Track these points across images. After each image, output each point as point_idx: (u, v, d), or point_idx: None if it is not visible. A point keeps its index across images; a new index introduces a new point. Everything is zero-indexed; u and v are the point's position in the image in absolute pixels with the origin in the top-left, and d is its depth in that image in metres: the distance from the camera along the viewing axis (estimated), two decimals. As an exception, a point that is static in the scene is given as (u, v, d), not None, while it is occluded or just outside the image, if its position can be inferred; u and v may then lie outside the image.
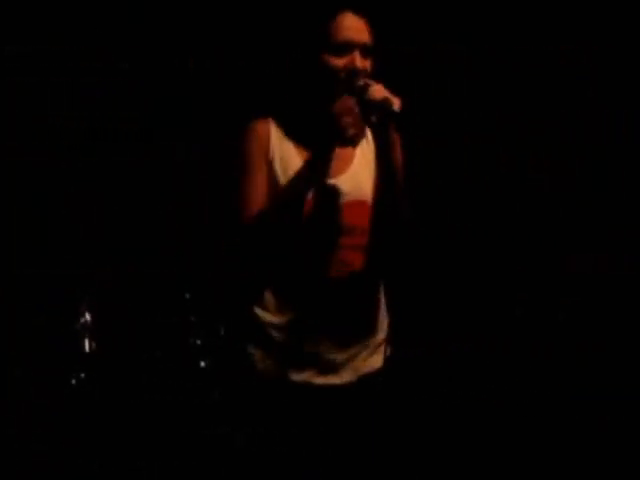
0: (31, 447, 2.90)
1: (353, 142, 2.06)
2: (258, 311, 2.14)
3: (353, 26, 2.09)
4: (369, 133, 2.25)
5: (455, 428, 3.31)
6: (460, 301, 3.44)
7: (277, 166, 2.10)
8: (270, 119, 2.14)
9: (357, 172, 2.18)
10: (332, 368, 2.14)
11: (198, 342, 3.07)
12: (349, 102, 2.01)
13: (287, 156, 2.12)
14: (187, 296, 3.12)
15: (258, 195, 2.08)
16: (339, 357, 2.14)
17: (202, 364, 3.04)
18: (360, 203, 2.15)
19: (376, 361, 2.23)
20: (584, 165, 3.40)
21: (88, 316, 3.01)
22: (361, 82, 2.03)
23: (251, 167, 2.09)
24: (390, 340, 2.26)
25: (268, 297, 2.13)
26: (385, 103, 1.97)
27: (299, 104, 2.17)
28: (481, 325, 3.40)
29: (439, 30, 3.42)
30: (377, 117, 2.01)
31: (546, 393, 3.32)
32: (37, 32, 3.31)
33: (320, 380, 2.13)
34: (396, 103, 1.98)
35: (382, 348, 2.24)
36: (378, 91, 2.00)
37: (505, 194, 3.46)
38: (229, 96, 3.39)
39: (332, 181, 2.11)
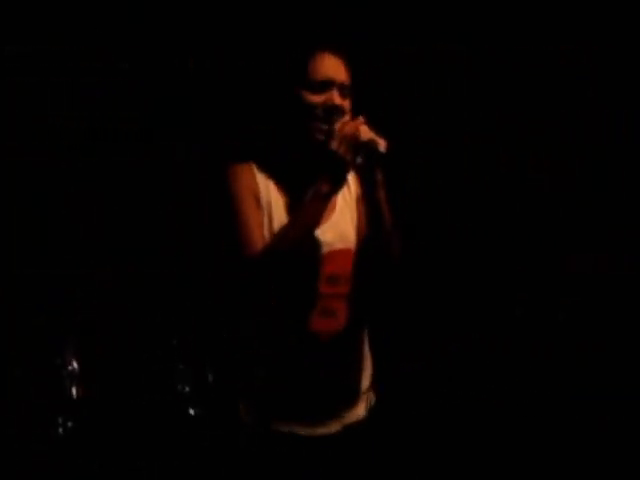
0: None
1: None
2: (246, 362, 2.14)
3: (331, 65, 2.12)
4: (351, 183, 2.25)
5: (455, 431, 3.31)
6: (460, 301, 3.44)
7: (266, 206, 2.09)
8: (251, 163, 2.14)
9: (339, 220, 2.18)
10: (318, 418, 2.13)
11: (186, 389, 3.06)
12: (348, 128, 2.02)
13: (274, 197, 2.12)
14: (175, 342, 3.11)
15: (260, 230, 2.06)
16: (324, 407, 2.14)
17: (191, 412, 3.04)
18: (344, 252, 2.16)
19: (360, 410, 2.22)
20: (584, 165, 3.40)
21: (75, 364, 2.99)
22: (339, 123, 2.04)
23: (247, 204, 2.07)
24: (374, 388, 2.27)
25: (254, 348, 2.13)
26: (372, 144, 1.99)
27: (278, 143, 2.18)
28: (481, 325, 3.40)
29: (439, 30, 3.43)
30: (363, 158, 2.03)
31: (546, 393, 3.32)
32: (37, 32, 3.31)
33: (306, 431, 2.12)
34: (382, 144, 1.99)
35: (366, 397, 2.24)
36: (364, 132, 2.01)
37: (505, 194, 3.46)
38: (228, 97, 3.40)
39: (317, 231, 2.09)
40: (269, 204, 2.11)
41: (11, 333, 3.08)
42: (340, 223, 2.18)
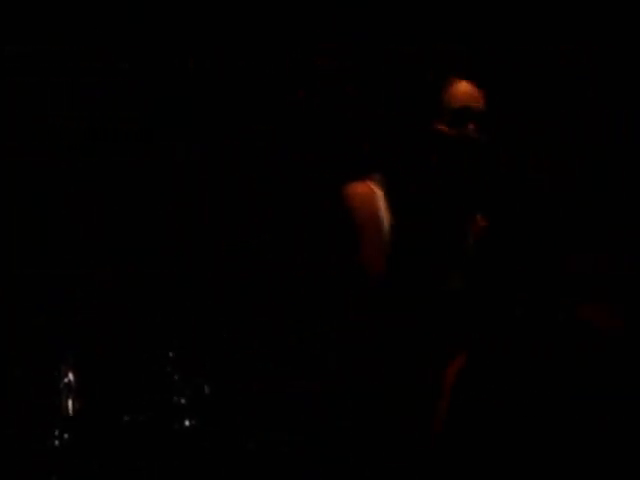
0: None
1: None
2: None
3: (469, 94, 2.12)
4: None
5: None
6: (461, 302, 3.44)
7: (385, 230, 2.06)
8: (372, 183, 2.11)
9: None
10: None
11: (182, 401, 3.05)
12: None
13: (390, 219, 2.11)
14: (171, 354, 3.11)
15: (380, 254, 2.03)
16: None
17: (187, 423, 3.03)
18: None
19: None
20: (584, 165, 3.40)
21: (71, 376, 3.00)
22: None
23: (371, 225, 2.06)
24: None
25: None
26: None
27: (412, 171, 2.15)
28: (481, 326, 3.40)
29: (439, 30, 3.43)
30: None
31: (546, 394, 3.31)
32: (37, 32, 3.31)
33: None
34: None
35: None
36: None
37: (505, 194, 3.46)
38: (229, 97, 3.40)
39: None
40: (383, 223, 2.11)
41: (7, 344, 3.08)
42: None
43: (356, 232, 2.03)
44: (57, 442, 2.93)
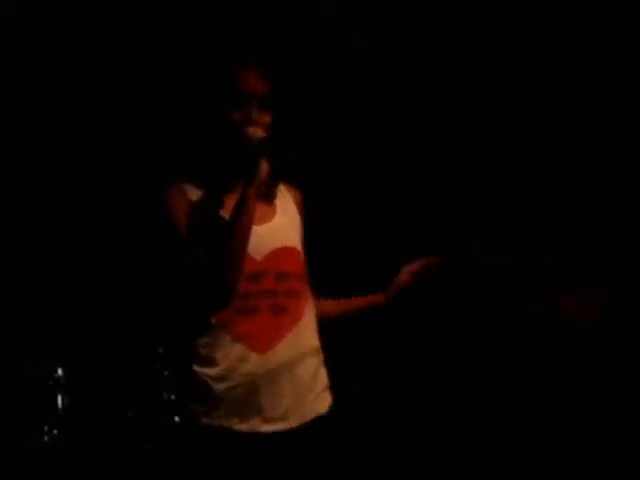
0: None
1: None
2: (196, 366, 2.14)
3: (252, 78, 2.19)
4: (285, 192, 2.34)
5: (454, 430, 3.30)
6: (460, 302, 3.43)
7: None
8: (179, 183, 2.20)
9: (280, 222, 2.25)
10: (278, 415, 2.11)
11: (172, 397, 3.05)
12: None
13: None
14: (160, 350, 3.10)
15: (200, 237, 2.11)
16: (283, 402, 2.12)
17: (176, 419, 3.02)
18: (289, 249, 2.22)
19: (321, 406, 2.21)
20: (584, 165, 3.38)
21: (60, 372, 2.99)
22: (244, 132, 2.12)
23: (183, 218, 2.12)
24: (330, 388, 2.26)
25: (210, 351, 2.13)
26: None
27: (204, 161, 2.25)
28: (481, 326, 3.39)
29: (439, 30, 3.43)
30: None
31: (546, 395, 3.30)
32: (37, 32, 3.32)
33: (267, 428, 2.10)
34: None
35: (325, 394, 2.23)
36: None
37: (505, 194, 3.45)
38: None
39: (259, 229, 2.15)
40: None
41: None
42: (281, 224, 2.25)
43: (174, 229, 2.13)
44: (47, 438, 2.93)
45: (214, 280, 2.06)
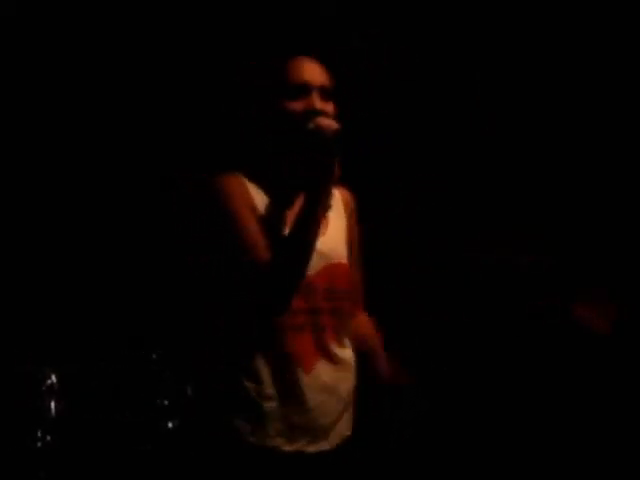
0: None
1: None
2: (248, 384, 2.04)
3: (309, 68, 2.05)
4: (338, 198, 2.19)
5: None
6: (460, 302, 3.43)
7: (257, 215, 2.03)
8: (238, 173, 2.07)
9: (333, 235, 2.13)
10: (322, 434, 2.07)
11: (165, 402, 3.03)
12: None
13: (263, 207, 2.05)
14: (154, 356, 3.09)
15: (262, 236, 1.98)
16: (327, 422, 2.08)
17: (169, 425, 3.01)
18: (340, 266, 2.11)
19: (351, 421, 2.17)
20: (583, 164, 3.38)
21: (54, 377, 2.97)
22: (311, 124, 1.96)
23: (245, 212, 1.99)
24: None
25: (259, 367, 2.04)
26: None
27: (264, 154, 2.11)
28: (481, 326, 3.39)
29: (439, 30, 3.43)
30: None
31: (547, 396, 3.30)
32: (38, 32, 3.32)
33: (312, 448, 2.06)
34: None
35: (350, 414, 2.18)
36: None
37: (505, 194, 3.45)
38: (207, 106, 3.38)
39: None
40: (259, 213, 2.05)
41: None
42: (334, 237, 2.13)
43: (232, 218, 2.00)
44: (40, 444, 2.91)
45: (274, 285, 1.95)
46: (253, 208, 2.03)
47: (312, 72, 2.05)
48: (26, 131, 3.35)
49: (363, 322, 2.29)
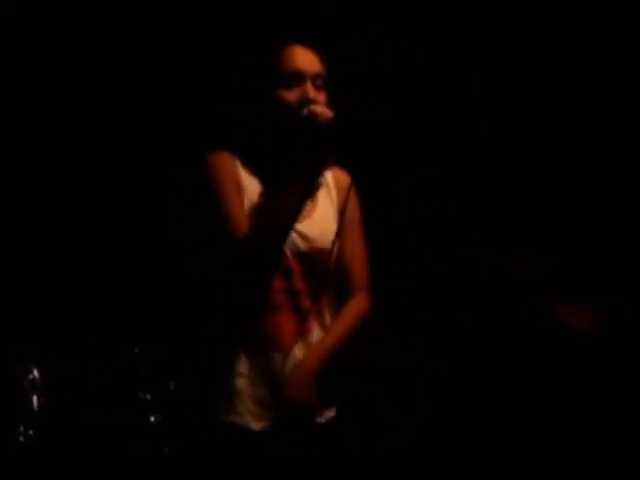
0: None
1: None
2: (224, 362, 2.08)
3: (303, 56, 2.08)
4: (330, 180, 2.23)
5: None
6: (460, 303, 3.43)
7: (246, 198, 2.07)
8: (229, 152, 2.11)
9: (320, 220, 2.15)
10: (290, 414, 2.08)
11: (148, 397, 3.02)
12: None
13: (249, 185, 2.09)
14: (136, 350, 3.08)
15: (245, 216, 2.03)
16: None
17: (152, 419, 3.00)
18: (323, 251, 2.12)
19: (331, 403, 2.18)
20: (583, 164, 3.38)
21: (36, 372, 2.96)
22: (305, 111, 2.00)
23: (230, 190, 2.03)
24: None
25: (236, 345, 2.08)
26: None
27: (257, 141, 2.14)
28: (480, 326, 3.39)
29: (439, 30, 3.43)
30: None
31: (546, 396, 3.30)
32: (38, 32, 3.33)
33: (280, 426, 2.08)
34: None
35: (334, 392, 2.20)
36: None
37: (505, 194, 3.45)
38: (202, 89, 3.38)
39: (298, 226, 2.07)
40: (246, 192, 2.09)
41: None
42: (322, 221, 2.16)
43: (217, 196, 2.03)
44: (22, 438, 2.90)
45: (249, 260, 1.98)
46: (240, 187, 2.06)
47: (306, 60, 2.08)
48: (26, 131, 3.35)
49: (352, 305, 2.23)
